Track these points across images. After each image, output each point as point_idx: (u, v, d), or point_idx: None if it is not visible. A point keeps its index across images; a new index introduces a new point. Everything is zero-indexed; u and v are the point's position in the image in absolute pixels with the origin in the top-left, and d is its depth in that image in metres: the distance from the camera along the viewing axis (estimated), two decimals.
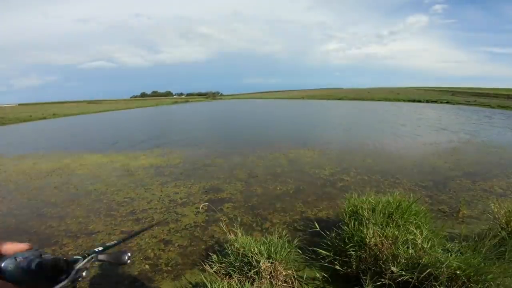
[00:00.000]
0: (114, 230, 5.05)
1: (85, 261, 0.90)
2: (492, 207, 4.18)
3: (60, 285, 0.76)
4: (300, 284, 3.29)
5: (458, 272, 2.60)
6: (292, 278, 3.22)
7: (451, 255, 2.79)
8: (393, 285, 2.82)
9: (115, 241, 1.21)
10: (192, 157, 10.29)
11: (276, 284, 3.05)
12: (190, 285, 3.55)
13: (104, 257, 0.97)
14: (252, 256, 3.07)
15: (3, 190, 7.57)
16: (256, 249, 3.12)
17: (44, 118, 33.62)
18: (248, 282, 2.90)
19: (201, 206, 5.35)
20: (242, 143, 12.93)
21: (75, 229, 5.17)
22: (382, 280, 2.86)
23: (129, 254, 0.98)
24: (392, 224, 3.38)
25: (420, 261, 2.79)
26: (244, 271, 3.08)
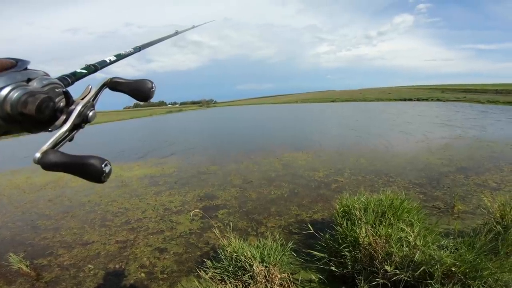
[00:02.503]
0: (109, 240, 5.01)
1: (92, 93, 0.66)
2: (485, 201, 4.19)
3: (57, 135, 0.55)
4: (296, 287, 3.28)
5: (453, 269, 2.60)
6: (288, 281, 3.21)
7: (445, 251, 2.79)
8: (388, 284, 2.81)
9: (131, 49, 0.95)
10: (186, 166, 10.25)
11: (271, 287, 3.03)
12: None
13: (122, 86, 0.72)
14: (245, 260, 3.06)
15: None
16: (249, 253, 3.11)
17: None
18: (243, 287, 2.89)
19: (192, 213, 5.33)
20: (236, 149, 12.88)
21: (69, 240, 5.13)
22: (377, 279, 2.86)
23: (153, 84, 0.74)
24: (385, 222, 3.38)
25: (414, 259, 2.79)
26: (239, 275, 3.06)
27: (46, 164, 0.51)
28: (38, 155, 0.51)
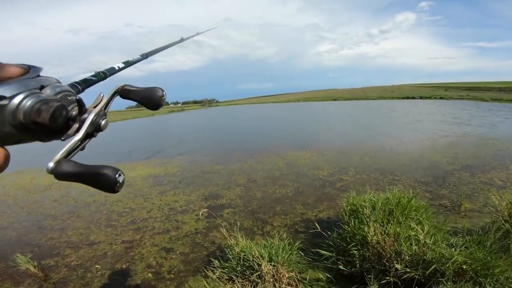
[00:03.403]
0: (116, 240, 5.01)
1: (104, 101, 0.65)
2: (493, 199, 4.17)
3: (69, 144, 0.54)
4: (304, 286, 3.28)
5: (464, 267, 2.59)
6: (296, 280, 3.21)
7: (455, 250, 2.78)
8: (399, 283, 2.80)
9: (138, 56, 0.97)
10: (190, 165, 10.26)
11: (279, 287, 3.03)
12: None
13: (133, 94, 0.71)
14: (253, 260, 3.05)
15: (3, 204, 7.51)
16: (257, 252, 3.10)
17: None
18: (251, 286, 2.89)
19: (200, 213, 5.33)
20: (239, 149, 12.88)
21: (76, 240, 5.14)
22: (387, 278, 2.85)
23: (164, 92, 0.72)
24: (393, 221, 3.37)
25: (425, 257, 2.78)
26: (247, 275, 3.06)
27: (59, 173, 0.50)
28: (51, 164, 0.50)
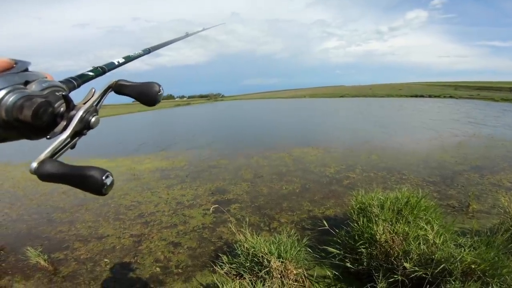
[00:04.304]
0: (124, 233, 5.07)
1: (96, 96, 0.62)
2: (502, 200, 4.14)
3: (55, 143, 0.51)
4: (311, 283, 3.30)
5: (473, 267, 2.60)
6: (303, 277, 3.22)
7: (464, 250, 2.78)
8: (406, 281, 2.81)
9: (140, 51, 0.95)
10: (196, 159, 10.30)
11: (287, 283, 3.04)
12: (202, 287, 3.56)
13: (128, 90, 0.68)
14: (262, 256, 3.07)
15: (12, 196, 7.64)
16: (266, 248, 3.12)
17: None
18: (260, 282, 2.91)
19: (211, 208, 5.37)
20: (245, 144, 12.91)
21: (85, 233, 5.21)
22: (395, 276, 2.85)
23: (161, 87, 0.68)
24: (402, 220, 3.36)
25: (433, 256, 2.78)
26: (255, 271, 3.08)
27: (43, 174, 0.47)
28: (34, 164, 0.47)
